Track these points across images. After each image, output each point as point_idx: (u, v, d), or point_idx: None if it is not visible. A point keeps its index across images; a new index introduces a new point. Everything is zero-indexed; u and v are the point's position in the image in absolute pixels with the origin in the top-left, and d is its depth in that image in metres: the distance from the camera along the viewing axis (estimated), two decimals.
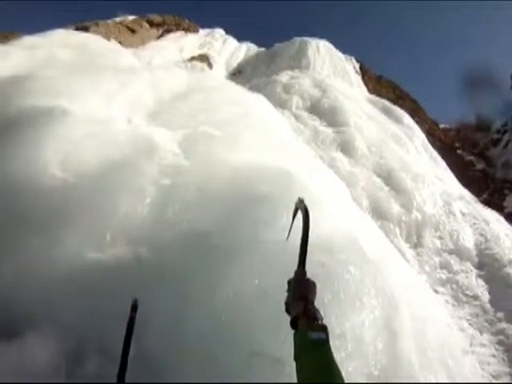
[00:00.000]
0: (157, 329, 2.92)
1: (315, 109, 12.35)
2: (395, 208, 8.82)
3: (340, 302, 3.16)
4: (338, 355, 2.87)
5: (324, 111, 12.09)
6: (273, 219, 3.62)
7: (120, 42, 20.30)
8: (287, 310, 1.44)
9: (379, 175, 9.73)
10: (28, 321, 3.01)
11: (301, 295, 1.42)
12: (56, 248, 3.29)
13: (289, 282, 1.51)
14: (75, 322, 2.98)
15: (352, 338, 3.05)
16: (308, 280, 1.49)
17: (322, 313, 1.38)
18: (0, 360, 2.77)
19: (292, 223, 1.95)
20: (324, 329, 1.28)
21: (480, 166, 20.09)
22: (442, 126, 23.07)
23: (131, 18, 26.39)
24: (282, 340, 2.71)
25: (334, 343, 2.89)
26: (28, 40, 9.41)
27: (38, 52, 7.92)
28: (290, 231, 1.97)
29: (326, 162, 8.06)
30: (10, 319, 3.01)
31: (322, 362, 1.21)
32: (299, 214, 1.73)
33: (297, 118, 11.76)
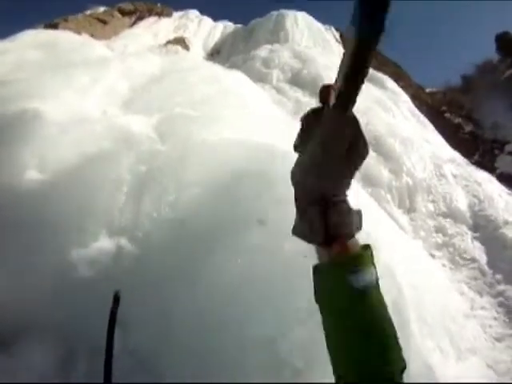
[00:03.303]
0: (142, 319, 2.84)
1: (297, 80, 12.01)
2: (385, 174, 8.64)
3: None
4: None
5: (306, 82, 11.73)
6: (255, 197, 3.49)
7: (92, 35, 19.83)
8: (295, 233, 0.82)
9: None
10: (17, 329, 2.99)
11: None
12: (39, 251, 3.23)
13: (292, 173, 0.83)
14: (64, 323, 2.95)
15: None
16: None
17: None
18: None
19: None
20: (366, 254, 0.75)
21: (468, 128, 20.02)
22: (427, 90, 22.90)
23: (102, 9, 25.82)
24: (270, 323, 2.70)
25: None
26: None
27: (8, 56, 7.77)
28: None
29: None
30: (1, 327, 2.98)
31: (370, 322, 0.72)
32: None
33: (278, 90, 11.43)
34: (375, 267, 0.75)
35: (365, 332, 0.71)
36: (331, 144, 0.72)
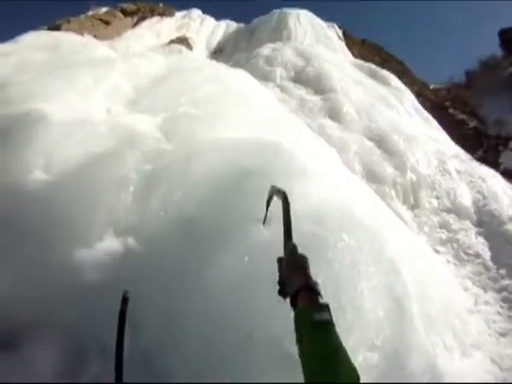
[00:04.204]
0: (150, 319, 2.86)
1: (300, 78, 12.02)
2: (389, 170, 8.63)
3: (335, 272, 3.02)
4: (337, 327, 2.77)
5: (309, 79, 11.77)
6: (261, 194, 3.51)
7: (95, 36, 19.80)
8: (281, 292, 1.29)
9: (371, 139, 9.46)
10: (27, 329, 3.01)
11: (299, 267, 1.26)
12: (45, 252, 3.25)
13: (279, 260, 1.37)
14: (73, 323, 2.96)
15: (351, 308, 2.91)
16: (301, 253, 1.35)
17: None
18: (3, 371, 2.78)
19: (267, 210, 1.86)
20: (327, 308, 1.16)
21: (472, 124, 19.91)
22: (431, 86, 22.79)
23: (104, 9, 25.75)
24: (277, 320, 2.69)
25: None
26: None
27: (11, 58, 7.80)
28: (265, 217, 1.91)
29: (315, 130, 7.84)
30: (9, 329, 3.00)
31: (328, 346, 1.09)
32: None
33: (282, 89, 11.43)
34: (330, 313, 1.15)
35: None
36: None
